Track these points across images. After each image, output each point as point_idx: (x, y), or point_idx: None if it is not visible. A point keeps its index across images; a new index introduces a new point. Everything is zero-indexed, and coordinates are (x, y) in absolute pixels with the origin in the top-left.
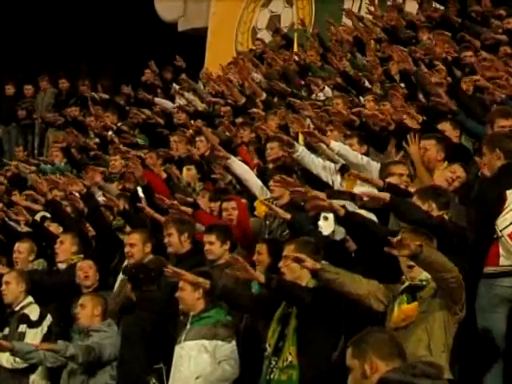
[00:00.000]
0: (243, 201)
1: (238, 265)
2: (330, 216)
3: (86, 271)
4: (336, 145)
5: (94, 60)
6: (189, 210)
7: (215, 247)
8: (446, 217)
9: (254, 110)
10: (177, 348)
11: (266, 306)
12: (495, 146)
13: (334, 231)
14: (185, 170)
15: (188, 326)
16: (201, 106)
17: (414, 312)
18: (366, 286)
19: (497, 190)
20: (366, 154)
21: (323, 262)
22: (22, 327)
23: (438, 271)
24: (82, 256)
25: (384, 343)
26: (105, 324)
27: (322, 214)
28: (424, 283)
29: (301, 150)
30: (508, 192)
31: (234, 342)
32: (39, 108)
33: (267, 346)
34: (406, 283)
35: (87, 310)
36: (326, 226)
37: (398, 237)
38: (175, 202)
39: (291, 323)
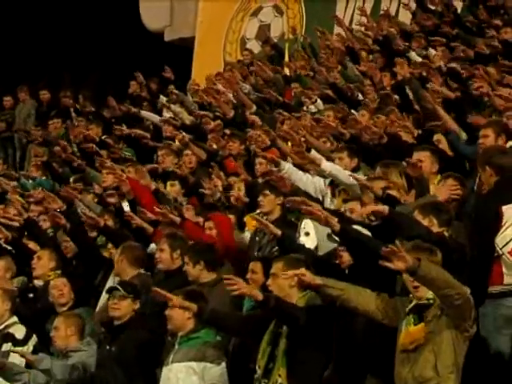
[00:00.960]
0: (227, 217)
1: (234, 283)
2: (312, 232)
3: (61, 289)
4: (328, 165)
5: (76, 70)
6: (177, 218)
7: (189, 268)
8: (446, 234)
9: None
10: (164, 370)
11: (255, 326)
12: (485, 164)
13: (316, 246)
14: (168, 185)
15: (176, 347)
16: (188, 119)
17: (421, 334)
18: (375, 300)
19: (492, 206)
20: (357, 167)
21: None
22: (7, 346)
23: (441, 288)
24: (59, 272)
25: None
26: (83, 343)
27: (304, 230)
28: (431, 302)
29: (287, 168)
30: (504, 208)
31: (223, 364)
32: (17, 120)
33: (257, 367)
34: (413, 302)
35: (61, 332)
36: (308, 241)
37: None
38: (164, 211)
39: (281, 344)
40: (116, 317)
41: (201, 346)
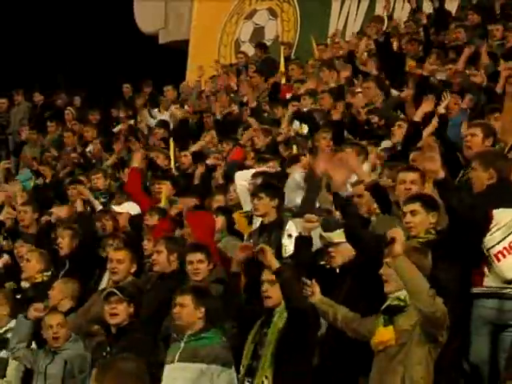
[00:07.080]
0: (208, 217)
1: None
2: (294, 234)
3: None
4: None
5: (70, 73)
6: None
7: (203, 266)
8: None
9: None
10: (168, 368)
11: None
12: (489, 165)
13: None
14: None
15: (182, 345)
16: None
17: (390, 336)
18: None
19: (484, 208)
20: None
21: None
22: (5, 353)
23: (411, 288)
24: (48, 274)
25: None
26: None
27: (287, 232)
28: (402, 304)
29: None
30: (495, 211)
31: (233, 368)
32: (12, 122)
33: (241, 367)
34: (387, 303)
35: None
36: (291, 244)
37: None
38: None
39: (267, 345)
40: (116, 322)
41: (211, 347)
